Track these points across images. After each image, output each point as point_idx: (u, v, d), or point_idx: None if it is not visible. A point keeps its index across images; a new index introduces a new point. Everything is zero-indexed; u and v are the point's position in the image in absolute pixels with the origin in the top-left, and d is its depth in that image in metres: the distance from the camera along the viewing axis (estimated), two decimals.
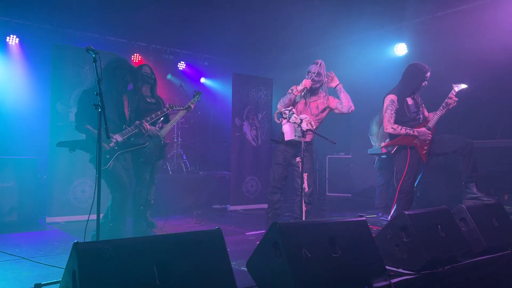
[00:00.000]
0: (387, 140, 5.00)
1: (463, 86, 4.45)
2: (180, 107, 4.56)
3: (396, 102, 4.53)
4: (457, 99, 4.43)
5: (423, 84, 4.57)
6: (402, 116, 4.55)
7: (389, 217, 5.31)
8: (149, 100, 4.67)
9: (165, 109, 4.44)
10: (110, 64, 4.15)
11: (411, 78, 4.60)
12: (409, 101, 4.60)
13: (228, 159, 7.57)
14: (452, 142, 4.45)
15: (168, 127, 4.81)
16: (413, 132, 4.45)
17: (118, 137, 4.05)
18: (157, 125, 4.83)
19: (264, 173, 7.20)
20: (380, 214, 6.01)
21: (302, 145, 4.06)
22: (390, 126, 4.53)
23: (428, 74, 4.55)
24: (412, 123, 4.53)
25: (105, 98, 3.75)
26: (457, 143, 4.39)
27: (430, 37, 6.67)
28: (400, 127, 4.49)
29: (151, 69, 4.76)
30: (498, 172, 5.55)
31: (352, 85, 7.70)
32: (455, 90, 4.43)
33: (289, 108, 4.33)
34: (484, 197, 4.29)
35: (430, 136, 4.46)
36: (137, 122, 4.25)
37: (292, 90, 4.51)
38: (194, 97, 4.93)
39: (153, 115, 4.34)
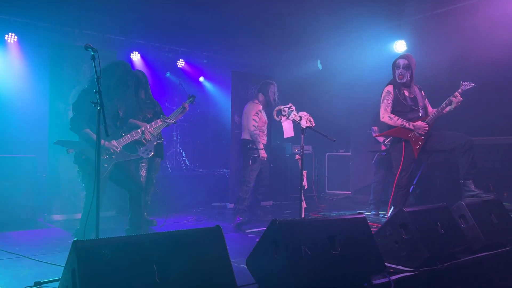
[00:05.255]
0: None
1: (471, 84, 4.42)
2: (172, 119, 4.77)
3: (392, 92, 4.59)
4: (462, 99, 4.39)
5: (397, 71, 4.59)
6: (397, 105, 4.57)
7: (387, 214, 5.31)
8: (144, 101, 5.04)
9: (159, 121, 4.49)
10: (118, 68, 4.03)
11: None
12: (406, 92, 4.62)
13: (227, 157, 7.57)
14: (451, 139, 4.43)
15: (162, 125, 4.96)
16: (409, 125, 4.46)
17: (116, 145, 4.01)
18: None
19: None
20: (373, 211, 6.02)
21: (302, 142, 4.07)
22: (387, 115, 4.55)
23: (399, 60, 4.61)
24: (409, 115, 4.53)
25: (104, 99, 3.76)
26: (457, 140, 4.38)
27: (429, 34, 6.67)
28: (396, 117, 4.51)
29: (143, 74, 5.17)
30: (497, 169, 5.55)
31: (351, 82, 7.74)
32: (461, 89, 4.39)
33: (289, 105, 4.33)
34: (482, 193, 4.28)
35: (426, 129, 4.45)
36: (142, 128, 4.26)
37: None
38: (188, 99, 5.26)
39: (153, 123, 4.42)
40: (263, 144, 5.46)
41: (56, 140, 3.95)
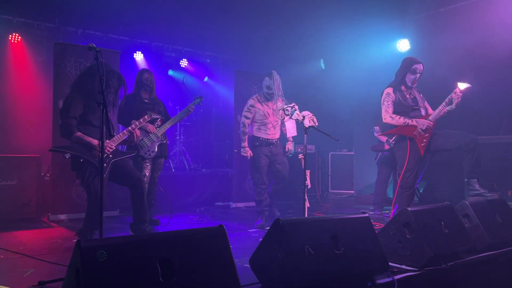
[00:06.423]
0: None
1: (467, 85, 4.40)
2: (158, 115, 4.78)
3: (392, 94, 4.59)
4: (461, 94, 4.38)
5: (413, 77, 4.55)
6: (398, 106, 4.56)
7: (391, 213, 5.30)
8: (146, 101, 5.02)
9: (146, 117, 4.53)
10: (98, 69, 3.50)
11: (400, 69, 4.66)
12: (406, 94, 4.61)
13: (230, 156, 7.58)
14: (456, 138, 4.42)
15: (166, 126, 4.96)
16: (412, 121, 4.44)
17: (110, 144, 4.02)
18: (155, 124, 4.92)
19: None
20: (376, 210, 6.00)
21: (305, 141, 4.06)
22: (388, 116, 4.54)
23: (417, 66, 4.54)
24: (412, 115, 4.52)
25: (90, 101, 3.78)
26: (461, 139, 4.36)
27: (433, 32, 6.65)
28: (398, 116, 4.50)
29: (151, 75, 5.08)
30: (501, 167, 5.52)
31: (354, 81, 7.72)
32: (459, 88, 4.38)
33: (292, 105, 4.33)
34: (487, 193, 4.26)
35: (430, 125, 4.44)
36: (131, 126, 4.29)
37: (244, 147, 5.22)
38: (194, 100, 5.27)
39: (146, 116, 4.51)
40: (273, 139, 5.22)
41: (51, 148, 3.97)
